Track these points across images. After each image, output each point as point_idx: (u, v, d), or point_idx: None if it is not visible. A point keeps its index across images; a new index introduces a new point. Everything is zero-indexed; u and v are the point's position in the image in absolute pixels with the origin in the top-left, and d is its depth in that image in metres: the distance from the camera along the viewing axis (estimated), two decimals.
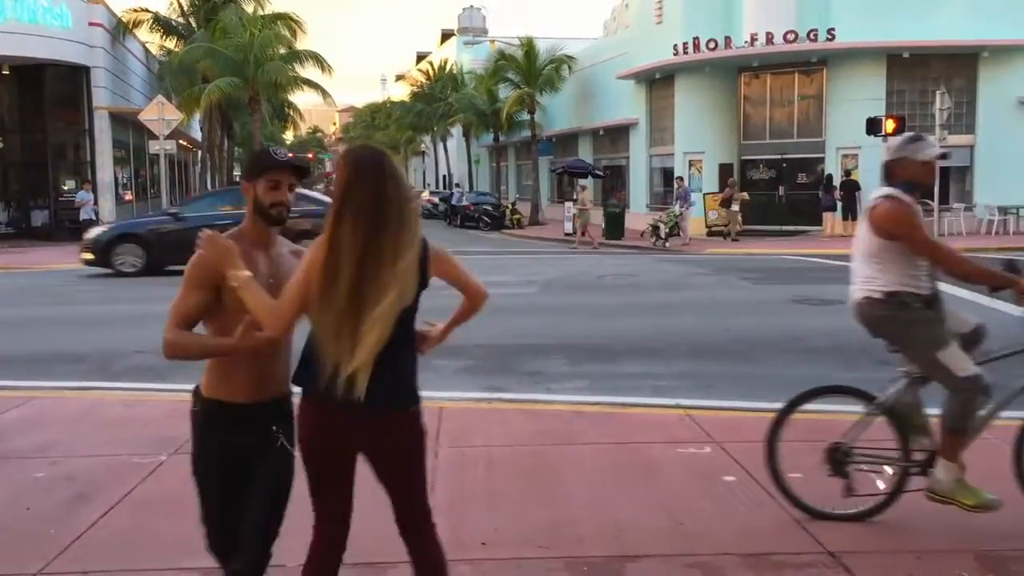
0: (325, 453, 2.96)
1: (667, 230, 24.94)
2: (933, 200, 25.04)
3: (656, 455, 5.70)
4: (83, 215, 25.63)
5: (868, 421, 4.69)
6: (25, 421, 6.71)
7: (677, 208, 26.16)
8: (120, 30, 32.69)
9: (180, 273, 3.05)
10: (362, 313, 2.73)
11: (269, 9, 34.60)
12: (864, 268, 4.61)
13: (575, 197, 28.77)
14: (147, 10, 34.03)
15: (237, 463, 3.04)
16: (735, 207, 26.56)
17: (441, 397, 7.34)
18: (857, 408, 4.82)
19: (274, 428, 3.05)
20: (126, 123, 32.13)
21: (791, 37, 26.92)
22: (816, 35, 26.60)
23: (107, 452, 5.85)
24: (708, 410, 6.83)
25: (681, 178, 28.28)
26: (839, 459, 4.68)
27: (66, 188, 29.78)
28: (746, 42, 27.70)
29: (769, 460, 4.77)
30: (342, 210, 2.76)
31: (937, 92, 23.75)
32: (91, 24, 29.70)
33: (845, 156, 27.50)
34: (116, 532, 4.51)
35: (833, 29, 26.39)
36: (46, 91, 29.91)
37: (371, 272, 2.74)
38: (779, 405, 6.91)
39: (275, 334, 2.84)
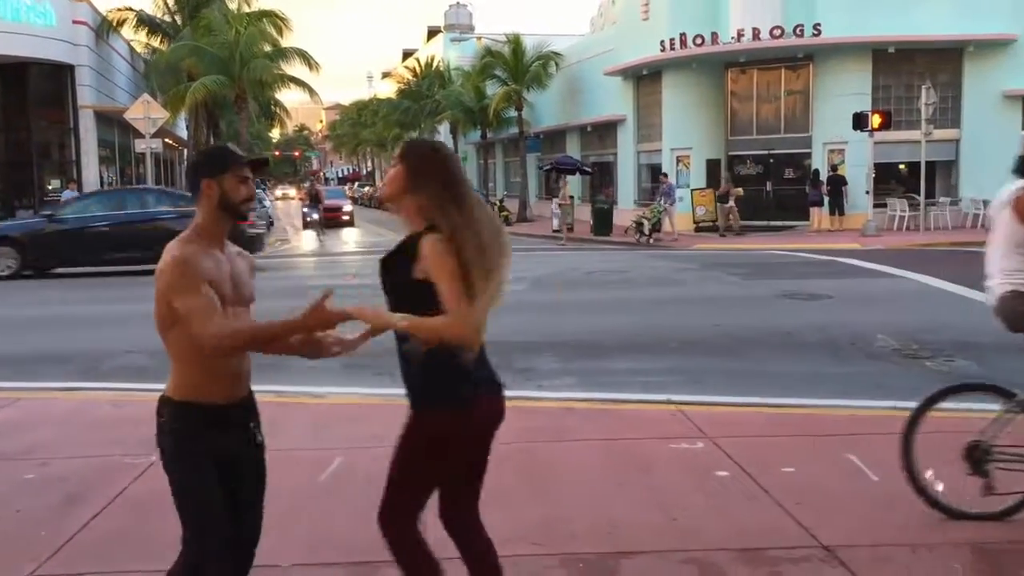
0: (485, 442, 3.02)
1: (650, 226, 24.90)
2: (919, 194, 25.25)
3: (648, 451, 5.70)
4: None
5: (1008, 419, 4.51)
6: (13, 423, 6.66)
7: (661, 204, 26.08)
8: (105, 28, 32.48)
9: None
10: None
11: (255, 7, 34.42)
12: (1009, 260, 4.52)
13: (558, 193, 28.85)
14: (131, 9, 33.79)
15: (223, 468, 2.95)
16: (731, 203, 26.49)
17: None
18: (994, 406, 4.64)
19: (251, 425, 3.07)
20: (111, 122, 31.94)
21: (777, 33, 26.97)
22: (802, 30, 26.66)
23: (97, 453, 5.81)
24: (700, 405, 6.83)
25: (665, 174, 28.28)
26: (978, 457, 4.48)
27: (51, 187, 29.57)
28: (733, 38, 27.73)
29: (905, 459, 4.61)
30: (464, 203, 2.82)
31: (922, 87, 23.85)
32: (75, 22, 29.50)
33: (832, 151, 27.58)
34: (108, 533, 4.48)
35: (819, 24, 26.45)
36: (30, 90, 29.69)
37: (501, 259, 2.86)
38: (772, 400, 6.99)
39: (476, 342, 2.83)
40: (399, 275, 2.84)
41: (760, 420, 6.45)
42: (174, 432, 2.89)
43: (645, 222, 24.77)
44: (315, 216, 32.28)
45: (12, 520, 4.71)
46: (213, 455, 2.91)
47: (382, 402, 7.02)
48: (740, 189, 27.46)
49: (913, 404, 6.76)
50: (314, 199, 33.80)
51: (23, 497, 5.04)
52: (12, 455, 5.85)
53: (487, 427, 2.99)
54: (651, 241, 24.35)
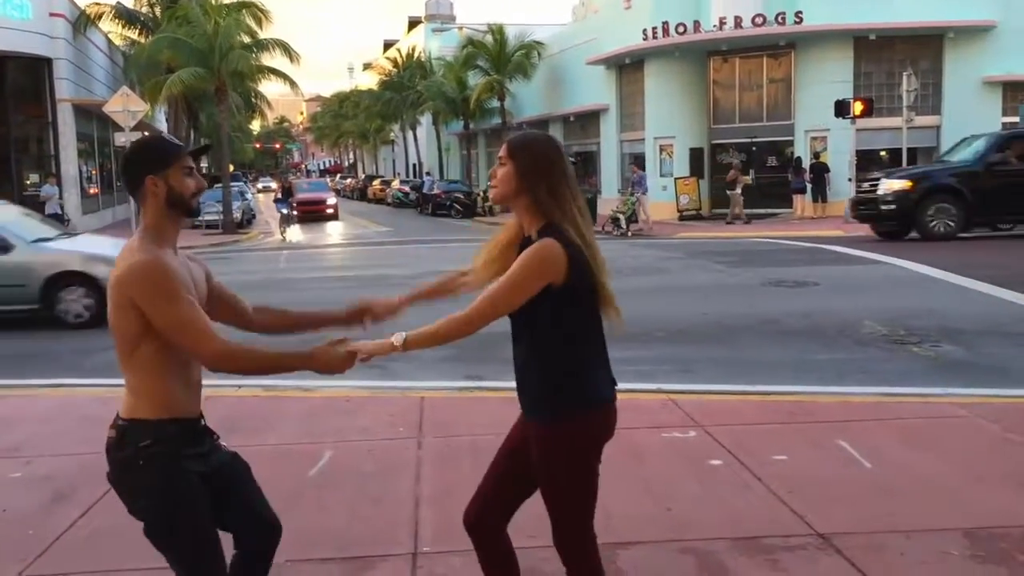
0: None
1: (626, 219, 24.80)
2: None
3: (640, 440, 5.68)
4: (49, 209, 25.15)
5: None
6: None
7: (633, 195, 25.71)
8: (82, 22, 32.12)
9: None
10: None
11: None
12: None
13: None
14: (108, 4, 33.41)
15: (208, 480, 2.70)
16: (738, 190, 26.23)
17: (422, 387, 7.30)
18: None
19: (215, 435, 2.84)
20: (90, 115, 31.62)
21: (759, 21, 27.01)
22: (784, 18, 26.71)
23: (83, 450, 5.72)
24: (690, 394, 6.82)
25: (635, 164, 28.22)
26: None
27: (30, 182, 29.25)
28: (715, 26, 27.74)
29: None
30: (568, 194, 2.75)
31: (904, 74, 23.92)
32: (52, 15, 29.13)
33: (814, 139, 27.70)
34: (96, 532, 4.42)
35: (801, 12, 26.50)
36: (7, 83, 29.29)
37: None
38: (762, 388, 6.98)
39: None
40: None
41: (751, 408, 6.44)
42: (157, 457, 2.57)
43: (621, 217, 24.68)
44: (284, 211, 30.10)
45: None
46: (199, 474, 2.66)
47: (372, 395, 6.98)
48: (748, 176, 27.38)
49: (903, 389, 6.85)
50: (286, 192, 32.46)
51: (9, 496, 4.97)
52: None
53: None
54: (629, 233, 24.24)
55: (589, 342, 2.78)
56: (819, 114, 26.26)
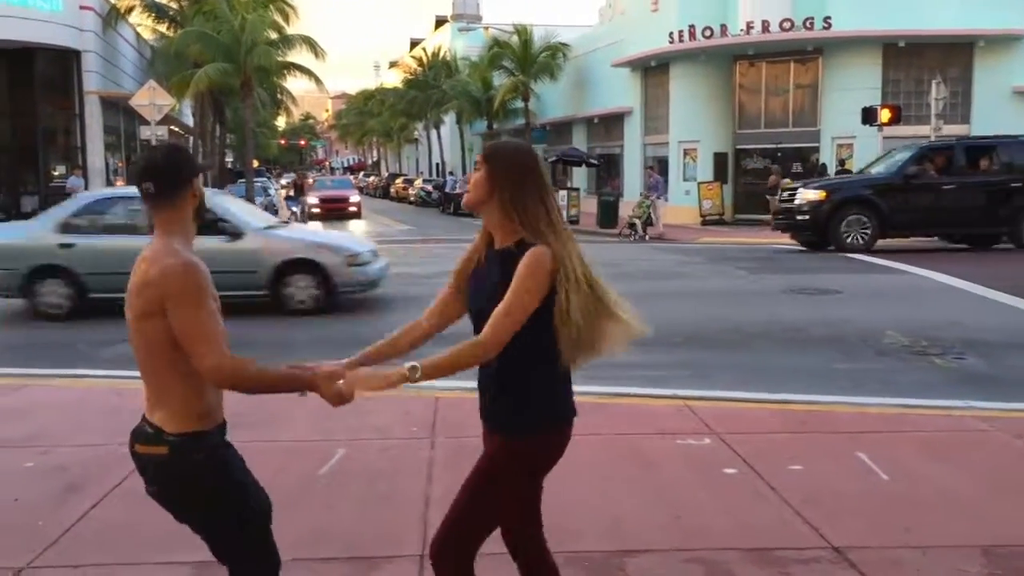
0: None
1: (642, 223, 24.68)
2: None
3: (654, 446, 5.63)
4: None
5: None
6: (15, 409, 6.61)
7: (648, 199, 25.52)
8: (112, 16, 32.39)
9: None
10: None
11: None
12: None
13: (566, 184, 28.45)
14: None
15: None
16: (780, 195, 25.95)
17: (438, 387, 7.26)
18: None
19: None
20: (117, 108, 31.87)
21: (787, 25, 26.82)
22: (812, 23, 26.51)
23: (98, 441, 5.74)
24: (707, 400, 6.76)
25: (651, 168, 28.06)
26: None
27: (56, 173, 29.53)
28: (742, 30, 27.59)
29: None
30: (552, 209, 2.69)
31: (933, 81, 23.68)
32: (82, 8, 29.39)
33: (840, 145, 27.46)
34: (106, 524, 4.42)
35: (829, 18, 26.30)
36: (36, 75, 29.59)
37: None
38: (780, 396, 6.91)
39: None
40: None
41: (767, 416, 6.37)
42: (216, 468, 2.62)
43: (637, 222, 24.56)
44: (295, 208, 29.43)
45: (11, 509, 4.65)
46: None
47: (387, 393, 6.95)
48: (788, 180, 27.23)
49: (923, 401, 6.75)
50: (297, 190, 31.90)
51: (22, 486, 4.99)
52: (13, 443, 5.79)
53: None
54: (647, 238, 24.10)
55: (558, 359, 2.70)
56: (846, 121, 26.03)
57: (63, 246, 10.74)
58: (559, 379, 2.75)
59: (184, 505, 2.65)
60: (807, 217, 18.27)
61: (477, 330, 2.67)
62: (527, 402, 2.72)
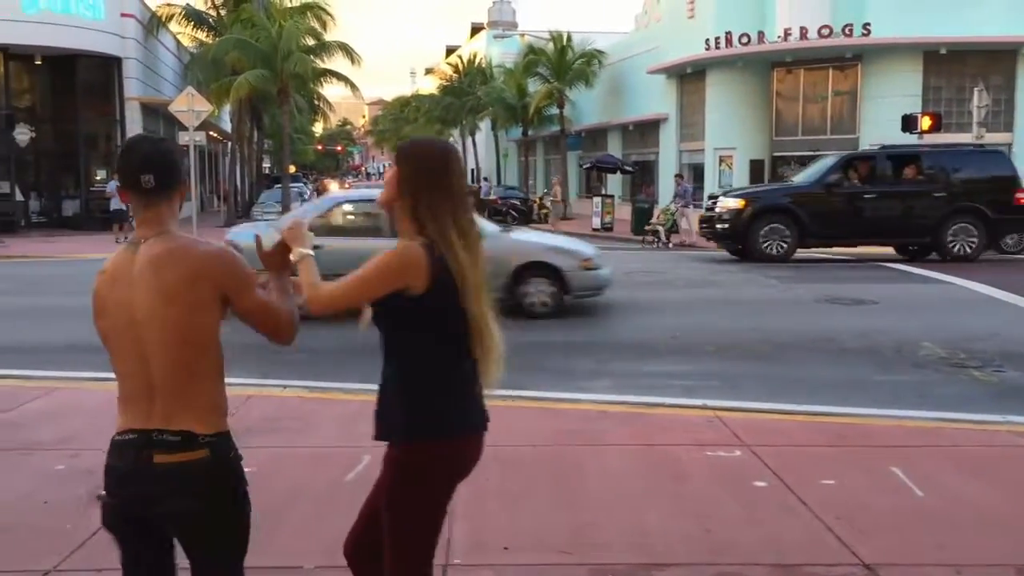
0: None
1: (666, 230, 24.48)
2: None
3: (683, 458, 5.55)
4: (113, 205, 25.74)
5: None
6: (48, 412, 6.68)
7: (673, 206, 25.30)
8: (153, 23, 32.88)
9: None
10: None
11: (299, 1, 34.61)
12: None
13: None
14: (177, 5, 34.17)
15: None
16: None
17: None
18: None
19: None
20: (157, 114, 32.32)
21: (825, 32, 26.56)
22: (851, 30, 26.23)
23: None
24: (737, 411, 6.66)
25: (680, 175, 27.84)
26: None
27: (97, 178, 30.01)
28: (779, 37, 27.36)
29: None
30: (446, 208, 2.66)
31: (975, 89, 23.29)
32: (123, 15, 29.89)
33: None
34: None
35: (869, 24, 25.99)
36: (78, 81, 30.12)
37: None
38: (812, 407, 6.80)
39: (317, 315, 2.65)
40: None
41: (800, 428, 6.26)
42: (239, 464, 2.53)
43: (660, 229, 24.38)
44: None
45: (39, 512, 4.69)
46: None
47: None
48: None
49: (961, 415, 6.61)
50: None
51: (52, 488, 5.03)
52: (45, 445, 5.85)
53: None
54: (670, 245, 23.88)
55: (456, 368, 2.65)
56: (885, 128, 25.64)
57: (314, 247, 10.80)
58: (453, 388, 2.68)
59: (215, 515, 2.46)
60: (727, 225, 18.21)
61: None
62: (415, 409, 2.64)
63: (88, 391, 7.44)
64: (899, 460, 5.43)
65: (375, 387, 2.74)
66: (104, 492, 2.51)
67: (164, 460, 2.38)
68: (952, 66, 26.58)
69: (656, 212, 26.06)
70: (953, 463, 5.44)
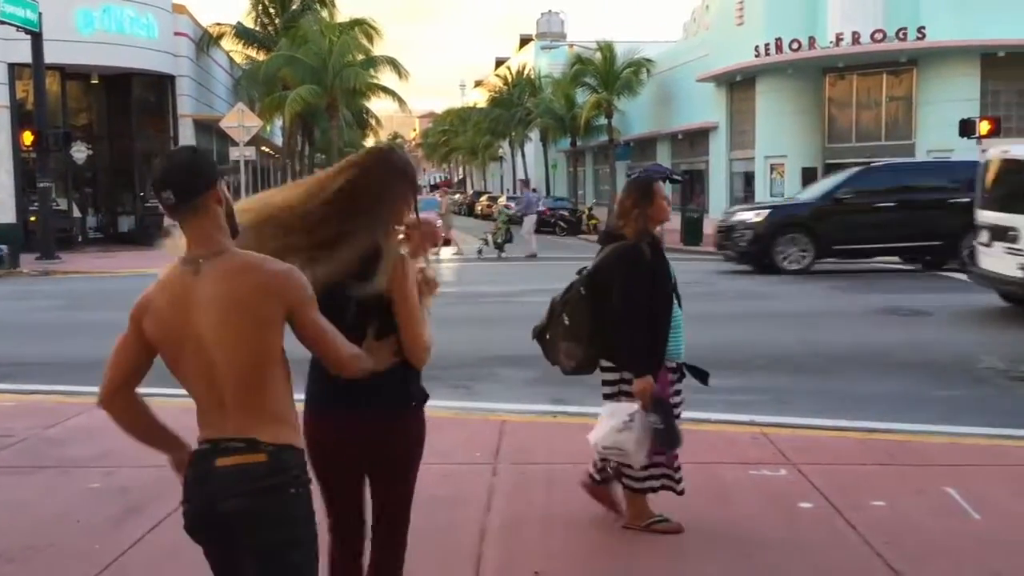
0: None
1: (496, 240, 24.49)
2: None
3: (726, 477, 5.36)
4: (168, 221, 26.22)
5: None
6: (86, 429, 6.69)
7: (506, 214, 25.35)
8: (205, 41, 33.47)
9: None
10: None
11: (347, 16, 35.05)
12: None
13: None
14: (228, 24, 34.79)
15: None
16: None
17: (504, 409, 7.12)
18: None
19: None
20: (209, 130, 32.84)
21: (879, 36, 26.06)
22: (905, 34, 25.70)
23: (162, 462, 5.73)
24: (784, 428, 6.44)
25: (525, 181, 27.52)
26: None
27: (152, 194, 30.56)
28: (831, 42, 26.92)
29: None
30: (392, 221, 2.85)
31: None
32: (176, 34, 30.46)
33: (937, 159, 26.48)
34: (159, 549, 4.39)
35: (923, 28, 25.45)
36: (133, 100, 30.76)
37: None
38: (863, 424, 6.55)
39: None
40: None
41: (850, 446, 6.03)
42: (305, 486, 2.50)
43: (488, 236, 24.58)
44: None
45: (71, 531, 4.67)
46: None
47: (454, 416, 6.85)
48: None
49: (1020, 432, 6.30)
50: None
51: (85, 507, 5.01)
52: (81, 462, 5.85)
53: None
54: (501, 255, 23.96)
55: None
56: (942, 133, 25.09)
57: None
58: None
59: (268, 522, 2.43)
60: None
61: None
62: (411, 380, 2.96)
63: None
64: (954, 480, 5.17)
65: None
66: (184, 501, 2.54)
67: (225, 463, 2.42)
68: (1011, 69, 25.91)
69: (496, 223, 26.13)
70: (1012, 483, 5.17)
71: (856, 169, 19.17)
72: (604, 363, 4.38)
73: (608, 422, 4.22)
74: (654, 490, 4.42)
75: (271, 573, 2.45)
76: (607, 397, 4.41)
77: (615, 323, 4.16)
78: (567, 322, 4.33)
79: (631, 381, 4.25)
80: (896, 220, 17.37)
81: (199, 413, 2.51)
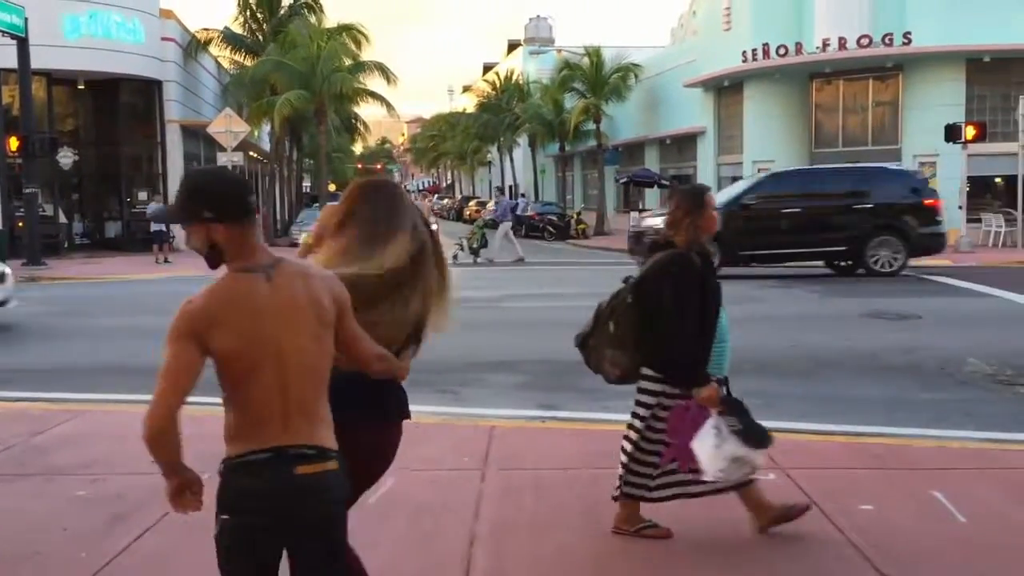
0: None
1: (471, 246, 24.66)
2: (1016, 209, 24.13)
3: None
4: (154, 227, 26.09)
5: None
6: (73, 436, 6.66)
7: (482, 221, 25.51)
8: (193, 46, 33.37)
9: None
10: None
11: (335, 22, 35.03)
12: None
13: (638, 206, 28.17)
14: (216, 29, 34.70)
15: None
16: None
17: (493, 415, 7.12)
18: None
19: None
20: (197, 136, 32.74)
21: (865, 42, 26.19)
22: (891, 39, 25.83)
23: (151, 469, 5.67)
24: (773, 432, 6.43)
25: (501, 190, 27.68)
26: None
27: (139, 200, 30.44)
28: (818, 48, 27.04)
29: None
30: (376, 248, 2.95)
31: (1021, 97, 22.81)
32: (163, 39, 30.36)
33: (923, 164, 26.58)
34: (146, 557, 4.36)
35: (909, 33, 25.59)
36: (120, 105, 30.65)
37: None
38: (851, 428, 6.57)
39: None
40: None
41: (837, 450, 6.05)
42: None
43: (464, 241, 24.65)
44: None
45: (57, 538, 4.63)
46: None
47: (442, 422, 6.84)
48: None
49: (1008, 435, 6.34)
50: None
51: (72, 514, 4.98)
52: (67, 470, 5.81)
53: None
54: (477, 261, 23.93)
55: None
56: (928, 138, 25.25)
57: None
58: None
59: (344, 524, 2.62)
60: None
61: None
62: (400, 391, 3.08)
63: (116, 413, 7.43)
64: (942, 484, 5.19)
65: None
66: (226, 516, 2.48)
67: (306, 471, 2.44)
68: (996, 74, 26.08)
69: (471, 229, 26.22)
70: (1000, 487, 5.20)
71: (762, 175, 19.32)
72: (645, 371, 4.36)
73: (704, 451, 4.18)
74: (664, 499, 4.42)
75: (326, 567, 2.60)
76: (642, 406, 4.37)
77: (669, 335, 4.13)
78: (612, 330, 4.32)
79: (673, 395, 4.24)
80: (802, 225, 17.48)
81: (253, 423, 2.45)
